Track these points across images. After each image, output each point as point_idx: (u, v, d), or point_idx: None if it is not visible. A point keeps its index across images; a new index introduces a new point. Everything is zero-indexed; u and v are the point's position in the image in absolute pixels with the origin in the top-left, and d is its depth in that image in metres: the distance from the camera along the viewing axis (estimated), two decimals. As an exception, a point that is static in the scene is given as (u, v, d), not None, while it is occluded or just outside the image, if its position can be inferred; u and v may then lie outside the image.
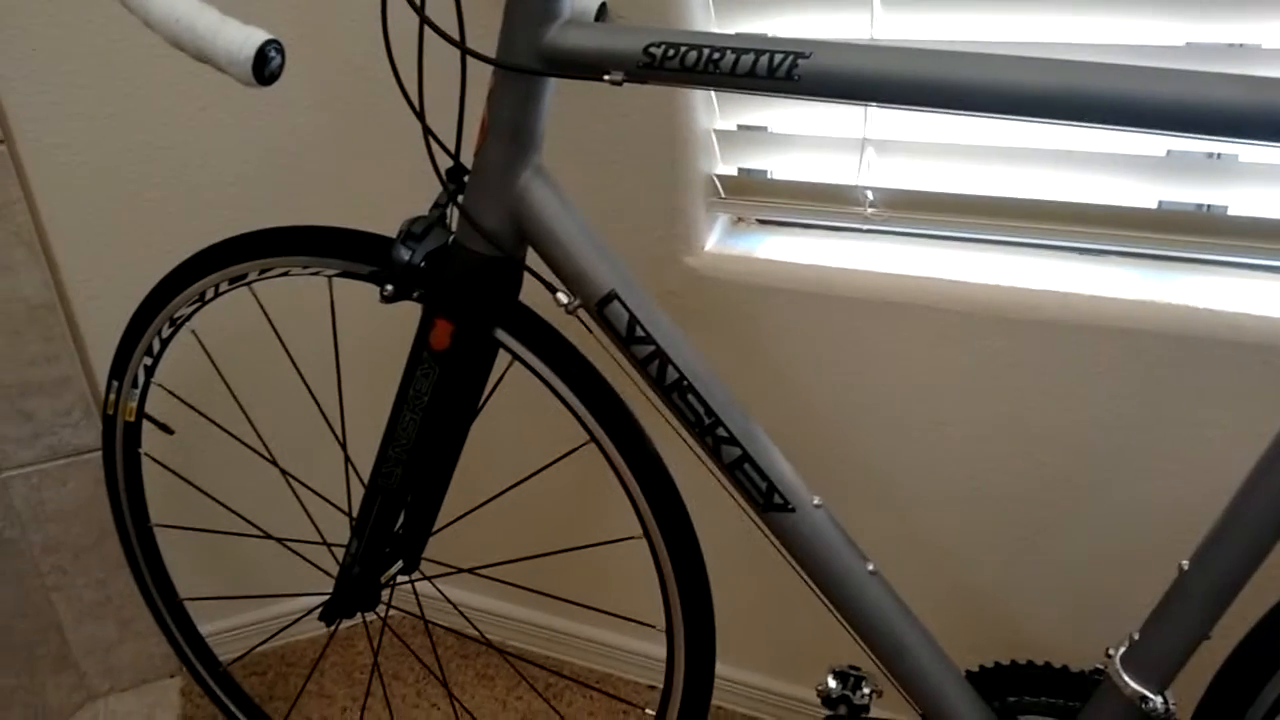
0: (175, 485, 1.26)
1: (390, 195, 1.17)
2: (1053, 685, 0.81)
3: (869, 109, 0.96)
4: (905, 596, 0.81)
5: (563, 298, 0.78)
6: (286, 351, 1.12)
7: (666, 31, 0.67)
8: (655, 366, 0.77)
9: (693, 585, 0.88)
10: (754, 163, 1.06)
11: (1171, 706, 0.71)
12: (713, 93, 1.01)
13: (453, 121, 0.83)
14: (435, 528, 0.99)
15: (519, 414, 1.24)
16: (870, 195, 1.00)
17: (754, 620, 1.25)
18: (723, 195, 1.07)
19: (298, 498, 1.22)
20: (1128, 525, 0.99)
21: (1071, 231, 0.94)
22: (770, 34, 0.97)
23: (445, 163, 0.82)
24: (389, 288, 0.83)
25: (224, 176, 1.16)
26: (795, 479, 0.79)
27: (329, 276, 0.91)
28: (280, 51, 0.67)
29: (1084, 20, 0.86)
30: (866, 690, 0.88)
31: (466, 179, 0.81)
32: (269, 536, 1.22)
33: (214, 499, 1.28)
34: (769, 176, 1.06)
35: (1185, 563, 0.69)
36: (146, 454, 1.10)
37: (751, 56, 0.64)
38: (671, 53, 0.67)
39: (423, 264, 0.82)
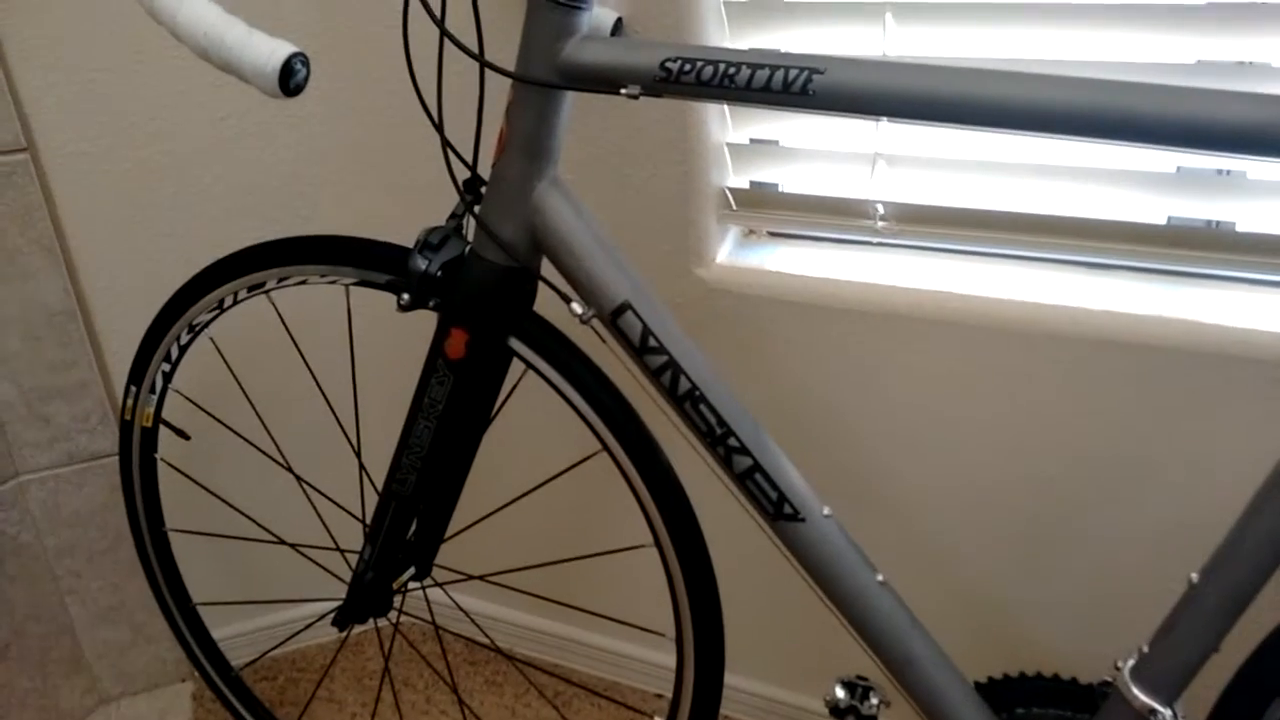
0: (190, 490, 1.27)
1: (407, 206, 1.19)
2: (1061, 697, 0.81)
3: (881, 123, 0.97)
4: (914, 607, 0.81)
5: (577, 308, 0.78)
6: (303, 359, 1.13)
7: (683, 46, 0.69)
8: (668, 377, 0.78)
9: (703, 594, 0.88)
10: (766, 176, 1.07)
11: (1182, 719, 0.72)
12: (725, 107, 1.02)
13: (470, 133, 0.84)
14: (447, 535, 1.00)
15: (532, 422, 1.24)
16: (881, 209, 1.01)
17: (762, 629, 1.26)
18: (734, 208, 1.08)
19: (312, 504, 1.23)
20: (1137, 538, 0.99)
21: (1081, 246, 0.95)
22: (784, 49, 0.98)
23: (462, 174, 0.84)
24: (405, 297, 0.84)
25: (242, 186, 1.18)
26: (805, 489, 0.79)
27: (346, 285, 0.92)
28: (305, 64, 0.69)
29: (1095, 37, 0.86)
30: (874, 700, 0.88)
31: (483, 190, 0.82)
32: (283, 542, 1.23)
33: (229, 504, 1.29)
34: (780, 190, 1.07)
35: (1195, 576, 0.69)
36: (163, 459, 1.11)
37: (767, 71, 0.65)
38: (688, 67, 0.68)
39: (439, 273, 0.83)
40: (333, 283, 0.93)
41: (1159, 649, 0.71)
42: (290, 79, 0.67)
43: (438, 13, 0.77)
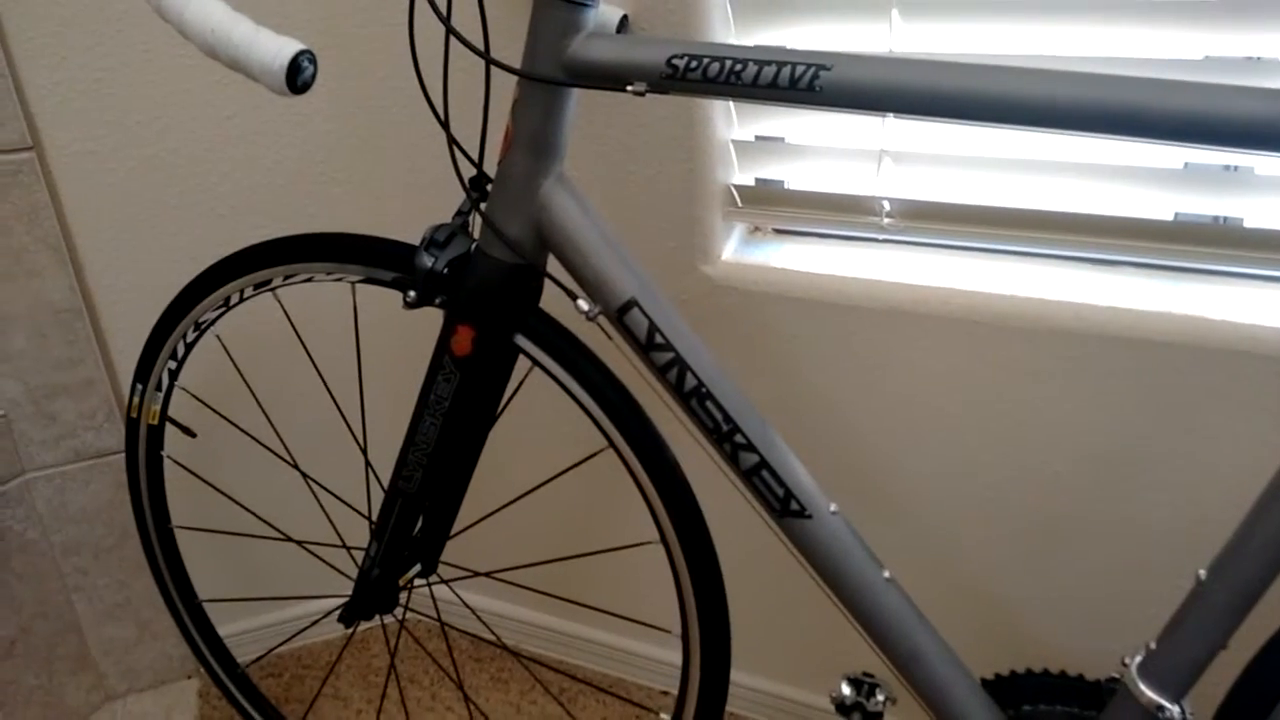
0: (196, 488, 1.27)
1: (413, 203, 1.19)
2: (1068, 694, 0.81)
3: (886, 120, 0.97)
4: (921, 604, 0.81)
5: (584, 305, 0.78)
6: (309, 356, 1.13)
7: (689, 43, 0.69)
8: (674, 373, 0.78)
9: (709, 590, 0.88)
10: (771, 173, 1.06)
11: (1189, 716, 0.72)
12: (731, 103, 1.02)
13: (476, 131, 0.84)
14: (453, 531, 1.00)
15: (538, 419, 1.25)
16: (887, 205, 1.01)
17: (769, 626, 1.26)
18: (740, 205, 1.08)
19: (318, 501, 1.23)
20: (1144, 534, 0.99)
21: (1088, 242, 0.95)
22: (790, 45, 0.98)
23: (468, 171, 0.84)
24: (411, 294, 0.84)
25: (248, 184, 1.18)
26: (812, 486, 0.79)
27: (352, 283, 0.92)
28: (313, 61, 0.69)
29: (1102, 33, 0.86)
30: (880, 697, 0.88)
31: (489, 187, 0.82)
32: (289, 539, 1.23)
33: (235, 501, 1.29)
34: (785, 187, 1.07)
35: (1203, 572, 0.69)
36: (169, 456, 1.11)
37: (774, 68, 0.65)
38: (694, 64, 0.68)
39: (445, 271, 0.83)
40: (339, 280, 0.93)
41: (1167, 645, 0.71)
42: (297, 76, 0.67)
43: (444, 10, 0.77)
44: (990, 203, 0.96)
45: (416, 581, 1.01)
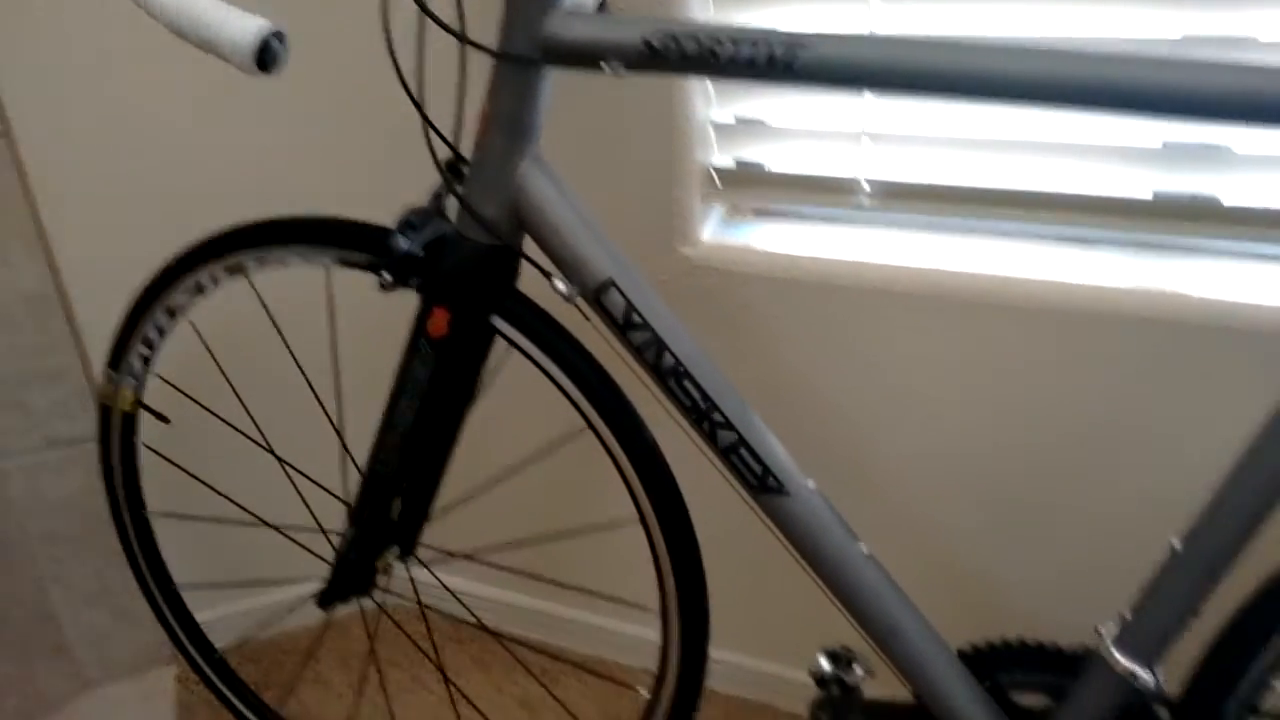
0: (172, 474, 1.26)
1: (388, 185, 1.17)
2: (1044, 663, 0.82)
3: (866, 100, 0.97)
4: (899, 578, 0.82)
5: (560, 286, 0.78)
6: (283, 340, 1.12)
7: (666, 22, 0.68)
8: (652, 353, 0.78)
9: (687, 568, 0.89)
10: (751, 154, 1.06)
11: (1162, 682, 0.73)
12: (710, 84, 1.02)
13: (452, 112, 0.84)
14: (431, 514, 0.99)
15: (516, 401, 1.24)
16: (867, 186, 1.01)
17: (748, 603, 1.27)
18: (719, 186, 1.08)
19: (294, 485, 1.22)
20: (1120, 507, 1.01)
21: (1067, 220, 0.96)
22: (768, 24, 0.98)
23: (444, 153, 0.83)
24: (387, 277, 0.84)
25: (220, 166, 1.16)
26: (789, 463, 0.80)
27: (326, 266, 0.92)
28: (282, 40, 0.68)
29: (1080, 11, 0.87)
30: (858, 670, 0.89)
31: (465, 169, 0.81)
32: (265, 524, 1.22)
33: (210, 487, 1.28)
34: (765, 168, 1.07)
35: (1176, 541, 0.70)
36: (144, 443, 1.10)
37: (751, 47, 0.65)
38: (671, 43, 0.67)
39: (421, 253, 0.82)
40: (313, 264, 0.92)
41: (1141, 614, 0.72)
42: (267, 56, 0.67)
43: (417, -11, 0.76)
44: (969, 182, 0.97)
45: (395, 564, 1.01)
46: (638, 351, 0.78)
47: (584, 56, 0.71)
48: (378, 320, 1.23)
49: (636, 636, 1.37)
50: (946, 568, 1.12)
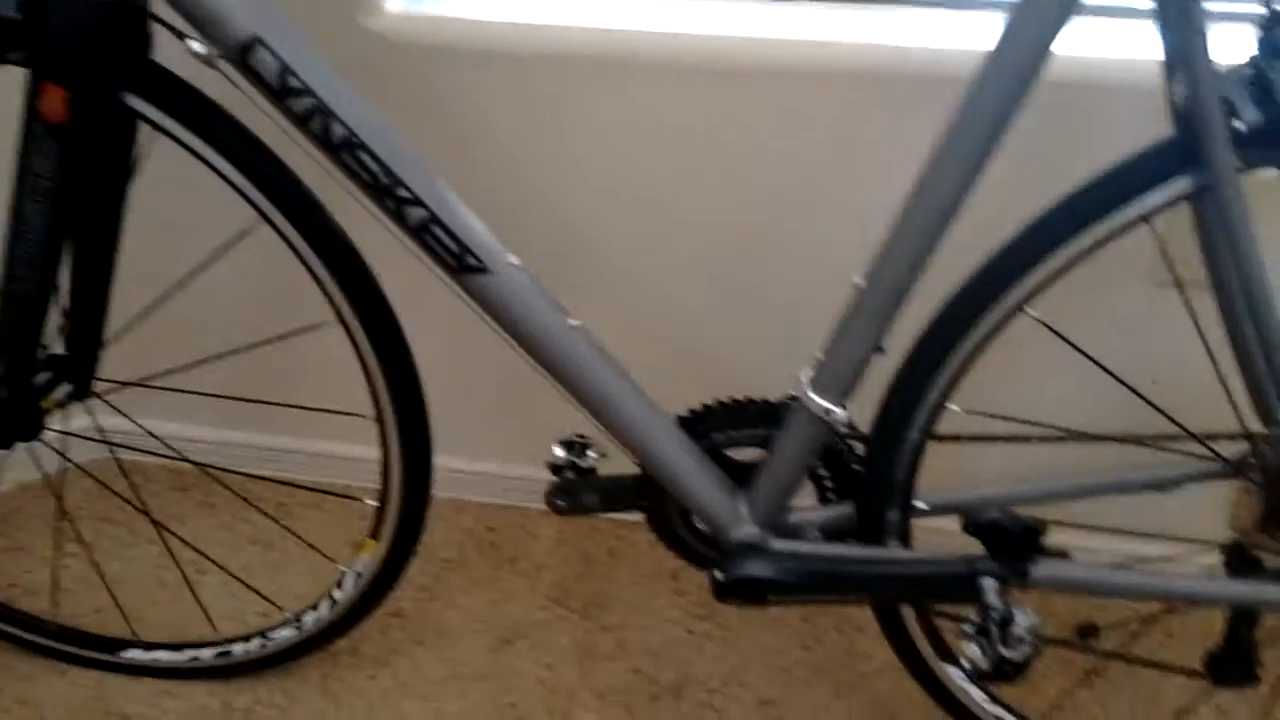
0: None
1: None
2: (755, 418, 0.84)
3: None
4: (614, 351, 0.81)
5: (196, 46, 0.67)
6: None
7: None
8: (318, 123, 0.69)
9: (396, 365, 0.84)
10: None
11: (852, 418, 0.77)
12: None
13: None
14: (104, 341, 0.88)
15: (180, 198, 1.08)
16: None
17: (491, 411, 1.24)
18: (399, -53, 0.96)
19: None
20: (823, 263, 1.03)
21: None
22: None
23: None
24: (-22, 48, 0.68)
25: None
26: (490, 240, 0.75)
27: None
28: None
29: None
30: (592, 454, 0.89)
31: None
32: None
33: None
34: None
35: (860, 279, 0.72)
36: None
37: None
38: None
39: (17, 14, 0.68)
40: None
41: (831, 353, 0.75)
42: None
43: None
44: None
45: (70, 403, 0.89)
46: (302, 122, 0.69)
47: None
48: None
49: (370, 458, 1.31)
50: (659, 337, 1.13)
